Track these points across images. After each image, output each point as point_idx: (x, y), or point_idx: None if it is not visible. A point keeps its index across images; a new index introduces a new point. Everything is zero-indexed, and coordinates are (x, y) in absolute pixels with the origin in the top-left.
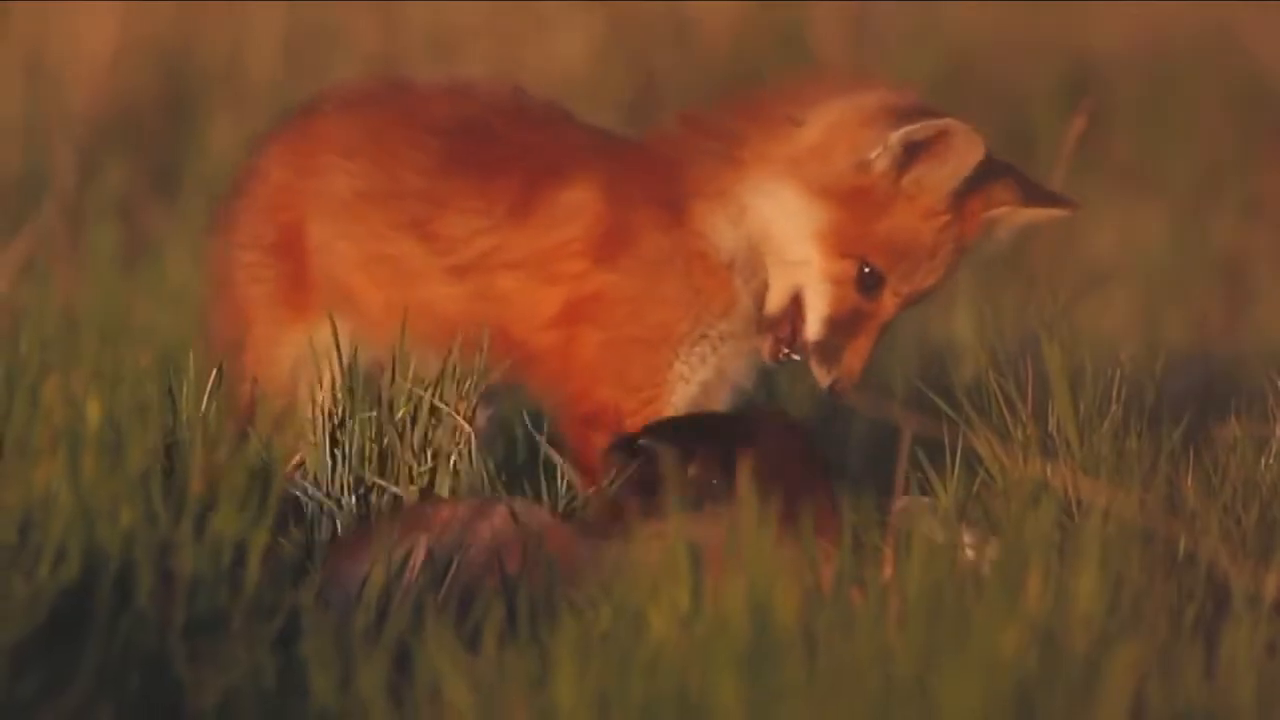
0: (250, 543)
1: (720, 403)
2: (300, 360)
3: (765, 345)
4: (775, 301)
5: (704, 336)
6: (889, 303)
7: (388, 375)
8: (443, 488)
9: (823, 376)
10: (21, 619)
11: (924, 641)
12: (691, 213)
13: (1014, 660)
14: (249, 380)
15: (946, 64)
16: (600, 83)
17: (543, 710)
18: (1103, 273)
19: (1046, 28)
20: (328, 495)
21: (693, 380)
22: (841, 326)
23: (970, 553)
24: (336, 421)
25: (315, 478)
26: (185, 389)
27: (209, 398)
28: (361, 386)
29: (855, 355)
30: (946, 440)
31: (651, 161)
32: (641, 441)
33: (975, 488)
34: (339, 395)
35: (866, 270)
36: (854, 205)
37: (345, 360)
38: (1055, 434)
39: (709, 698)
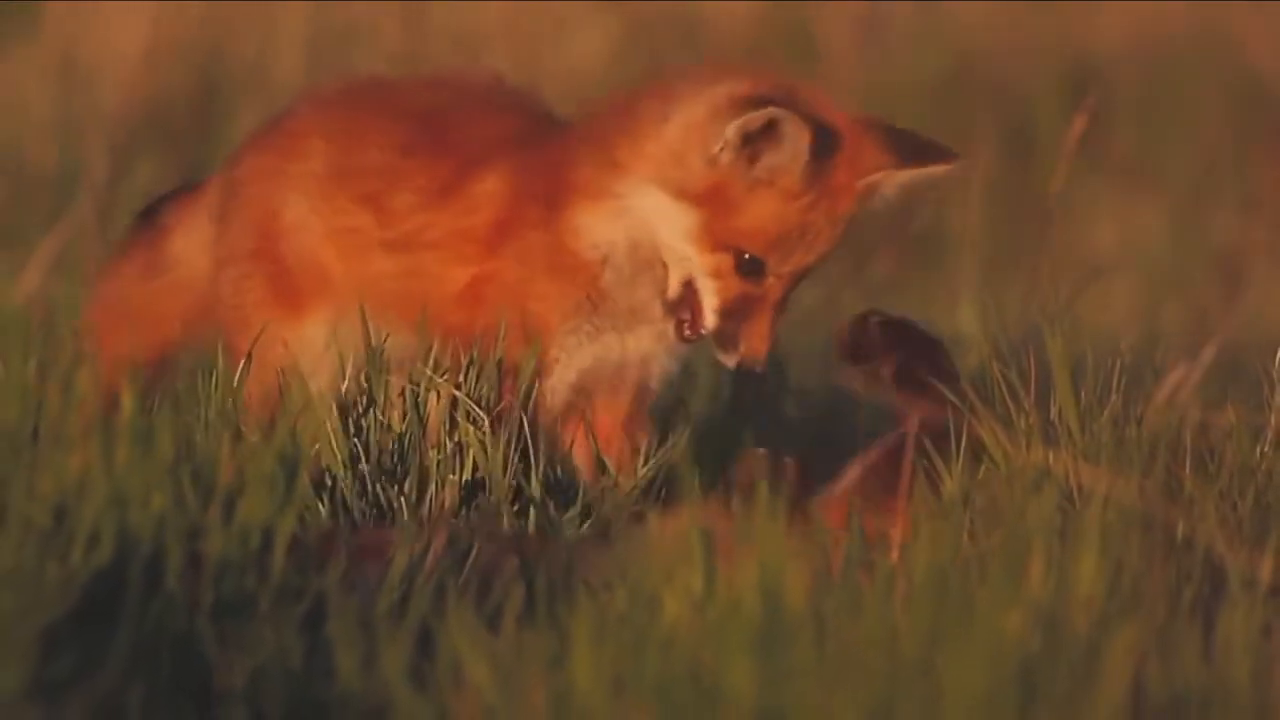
0: (277, 528)
1: (637, 383)
2: (308, 354)
3: (672, 328)
4: (672, 289)
5: (574, 329)
6: (775, 284)
7: (418, 364)
8: (467, 471)
9: (727, 359)
10: (56, 601)
11: (930, 623)
12: (569, 211)
13: (1017, 641)
14: (256, 385)
15: (951, 64)
16: (616, 81)
17: (560, 689)
18: (1103, 266)
19: (1049, 29)
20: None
21: (570, 366)
22: (732, 312)
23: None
24: (361, 410)
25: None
26: (214, 379)
27: (237, 387)
28: (382, 375)
29: (754, 335)
30: (952, 428)
31: (557, 157)
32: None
33: (980, 474)
34: (360, 384)
35: (745, 258)
36: (715, 200)
37: (369, 349)
38: (1057, 422)
39: (722, 677)
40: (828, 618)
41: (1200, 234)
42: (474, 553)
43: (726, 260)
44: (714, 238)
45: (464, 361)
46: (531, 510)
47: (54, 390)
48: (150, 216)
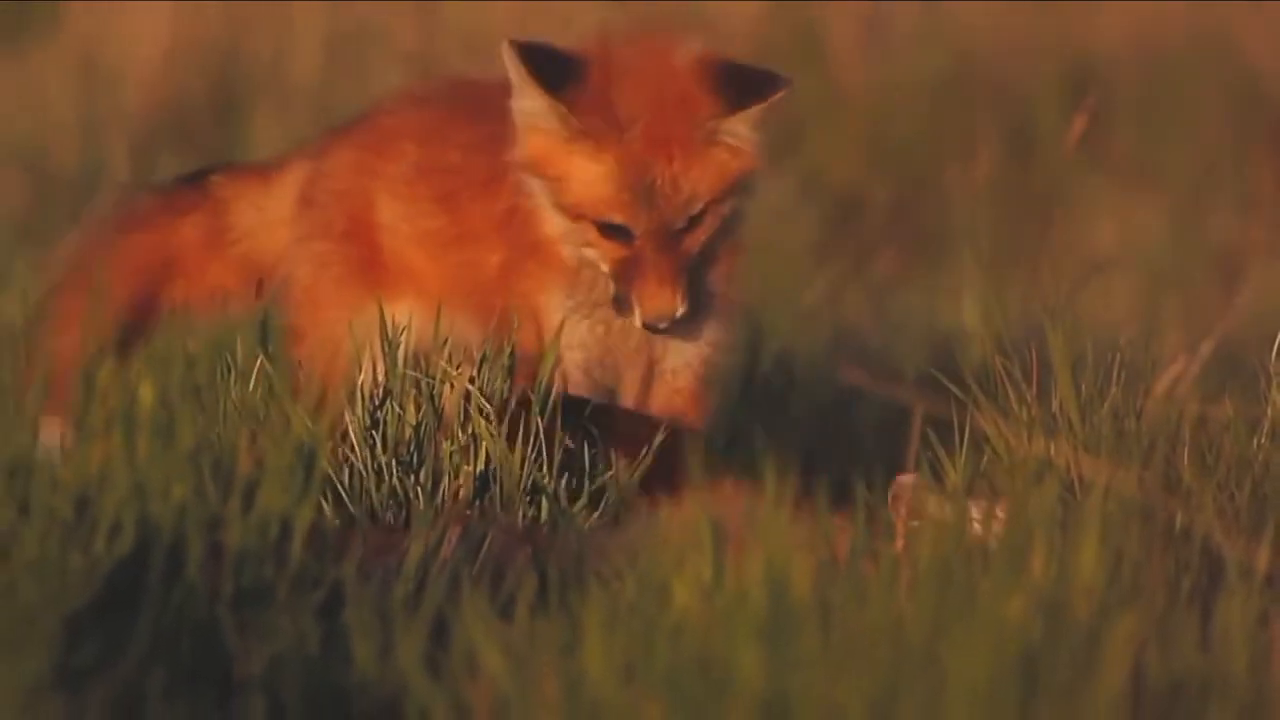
0: (295, 518)
1: (653, 362)
2: (366, 337)
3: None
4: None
5: (560, 308)
6: (648, 242)
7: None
8: (478, 464)
9: (634, 321)
10: (78, 590)
11: (933, 611)
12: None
13: (1019, 629)
14: (311, 362)
15: (954, 63)
16: None
17: (572, 676)
18: (1103, 263)
19: (1050, 29)
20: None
21: (572, 347)
22: (622, 276)
23: (977, 526)
24: (377, 402)
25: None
26: (233, 372)
27: (255, 381)
28: (401, 366)
29: (645, 296)
30: (955, 420)
31: None
32: None
33: (982, 465)
34: (378, 377)
35: (603, 224)
36: (547, 170)
37: (389, 341)
38: (1058, 415)
39: (730, 665)
40: (834, 606)
41: (1199, 232)
42: (487, 543)
43: (590, 228)
44: (566, 209)
45: (476, 354)
46: (544, 501)
47: (78, 383)
48: (200, 185)
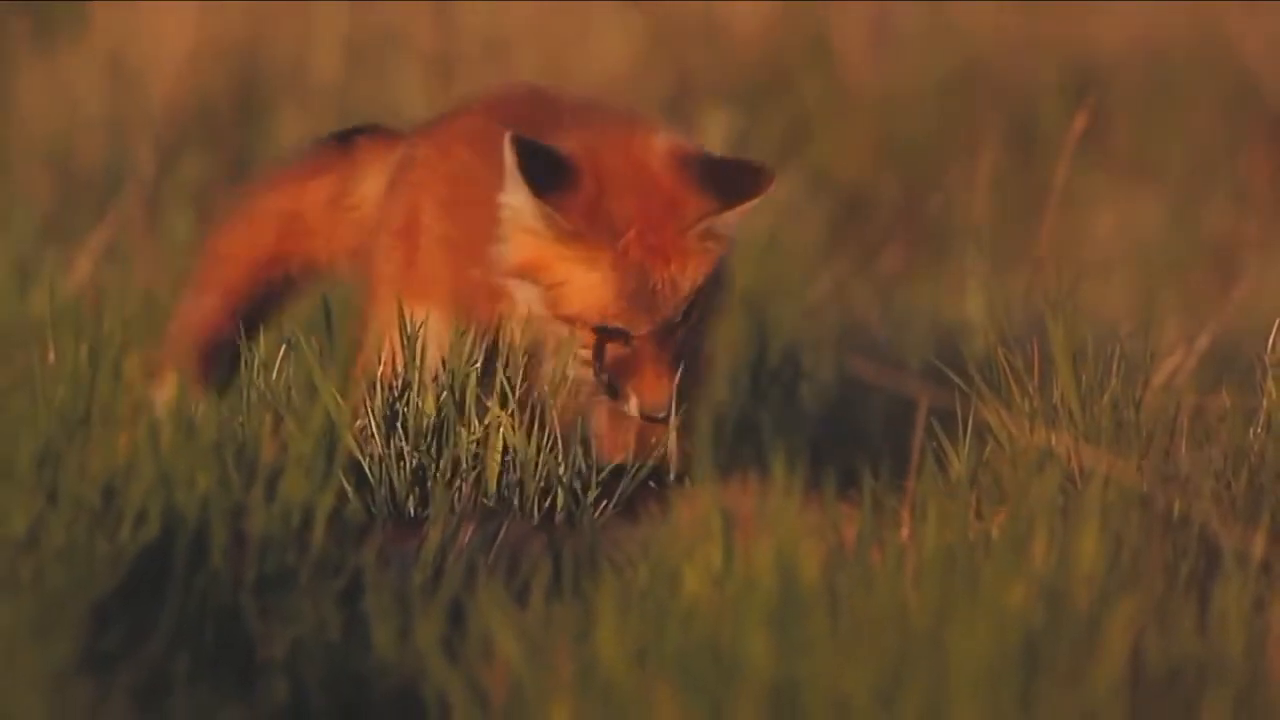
0: (316, 506)
1: None
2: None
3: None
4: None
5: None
6: (646, 340)
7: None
8: (495, 458)
9: (626, 409)
10: (105, 577)
11: (938, 597)
12: None
13: (1021, 615)
14: (370, 352)
15: (959, 64)
16: (640, 81)
17: (586, 660)
18: (1103, 256)
19: (1052, 31)
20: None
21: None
22: (618, 369)
23: None
24: (396, 394)
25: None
26: (255, 363)
27: (278, 370)
28: (420, 360)
29: (643, 389)
30: (959, 411)
31: None
32: None
33: (985, 455)
34: (397, 369)
35: (600, 326)
36: (545, 280)
37: (407, 336)
38: (1059, 405)
39: (739, 649)
40: (841, 594)
41: (1196, 226)
42: (503, 531)
43: (586, 333)
44: (560, 316)
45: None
46: (559, 492)
47: (104, 375)
48: (346, 146)
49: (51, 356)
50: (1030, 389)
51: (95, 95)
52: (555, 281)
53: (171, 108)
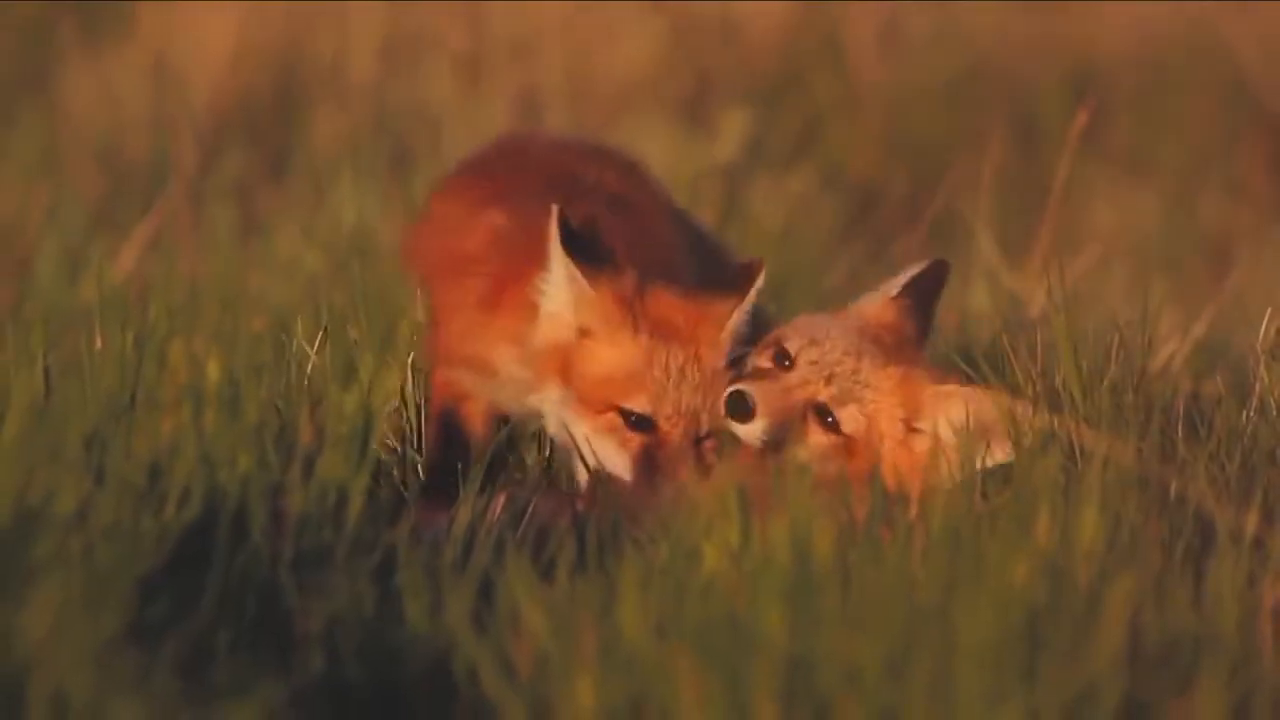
0: (352, 486)
1: None
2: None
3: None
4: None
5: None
6: (673, 428)
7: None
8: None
9: (647, 489)
10: (150, 554)
11: (945, 574)
12: None
13: (1024, 590)
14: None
15: (966, 63)
16: (661, 81)
17: (609, 633)
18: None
19: (1055, 32)
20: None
21: None
22: (640, 454)
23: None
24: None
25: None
26: (294, 350)
27: (316, 357)
28: None
29: (672, 474)
30: None
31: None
32: None
33: None
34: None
35: (629, 414)
36: (566, 364)
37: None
38: (1061, 390)
39: (755, 623)
40: (852, 569)
41: (1192, 219)
42: (531, 510)
43: (613, 420)
44: (589, 402)
45: None
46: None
47: (149, 360)
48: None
49: (99, 343)
50: (1034, 375)
51: (140, 94)
52: (585, 365)
53: (213, 106)
